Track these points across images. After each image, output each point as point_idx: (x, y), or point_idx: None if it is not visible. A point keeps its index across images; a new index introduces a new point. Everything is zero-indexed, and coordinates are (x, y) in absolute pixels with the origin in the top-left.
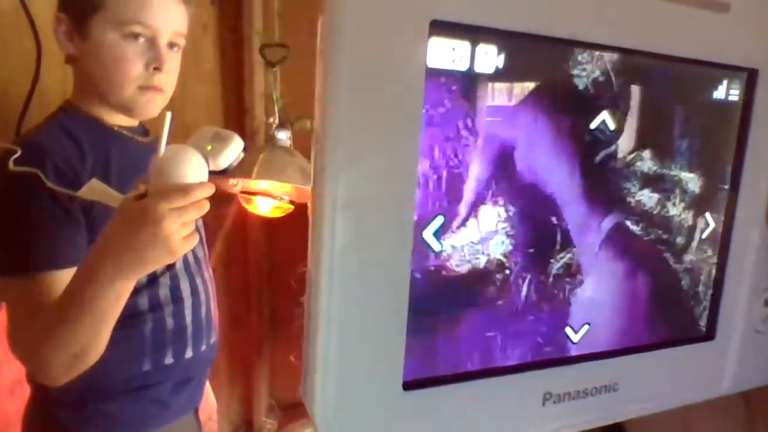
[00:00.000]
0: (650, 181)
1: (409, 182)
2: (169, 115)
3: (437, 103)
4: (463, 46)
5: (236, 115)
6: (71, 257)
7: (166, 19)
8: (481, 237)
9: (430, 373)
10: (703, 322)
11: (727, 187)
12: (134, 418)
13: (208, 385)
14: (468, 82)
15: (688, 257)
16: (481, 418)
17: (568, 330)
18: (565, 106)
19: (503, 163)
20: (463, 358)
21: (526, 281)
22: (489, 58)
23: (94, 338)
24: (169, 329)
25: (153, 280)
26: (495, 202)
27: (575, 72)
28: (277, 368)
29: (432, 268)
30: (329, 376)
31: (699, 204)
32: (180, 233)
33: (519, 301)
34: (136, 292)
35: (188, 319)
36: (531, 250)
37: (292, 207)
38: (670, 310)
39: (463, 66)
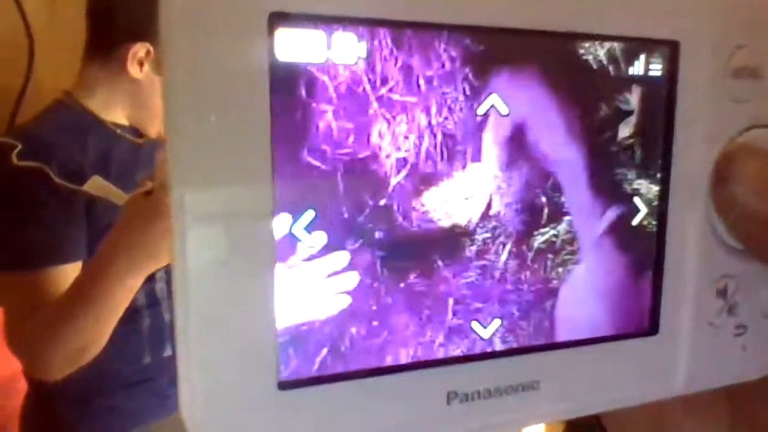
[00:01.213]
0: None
1: (264, 183)
2: None
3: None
4: (317, 35)
5: None
6: (72, 253)
7: None
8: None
9: (310, 372)
10: (644, 316)
11: (657, 167)
12: (136, 411)
13: None
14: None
15: (619, 249)
16: (376, 418)
17: (474, 325)
18: (444, 90)
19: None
20: (350, 353)
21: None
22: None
23: (99, 333)
24: (166, 323)
25: (150, 276)
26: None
27: (442, 53)
28: None
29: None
30: (198, 378)
31: (626, 189)
32: None
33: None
34: None
35: None
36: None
37: None
38: (606, 303)
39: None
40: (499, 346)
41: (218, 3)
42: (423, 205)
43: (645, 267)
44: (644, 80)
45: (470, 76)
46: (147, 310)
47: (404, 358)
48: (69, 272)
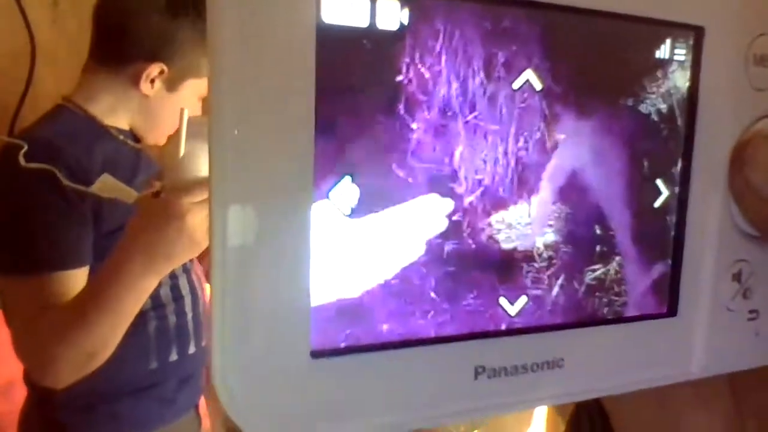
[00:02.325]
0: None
1: (305, 146)
2: (186, 112)
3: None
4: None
5: None
6: (80, 257)
7: None
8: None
9: (343, 341)
10: (664, 298)
11: (679, 151)
12: (142, 418)
13: None
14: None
15: (642, 228)
16: (405, 389)
17: (502, 301)
18: (483, 65)
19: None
20: (382, 325)
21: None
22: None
23: (111, 337)
24: (172, 327)
25: None
26: None
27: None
28: None
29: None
30: (232, 347)
31: (648, 171)
32: (203, 226)
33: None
34: None
35: (189, 315)
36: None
37: None
38: (621, 286)
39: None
40: (524, 323)
41: None
42: (490, 225)
43: (665, 250)
44: (670, 63)
45: (546, 110)
46: (152, 313)
47: (433, 331)
48: (76, 277)
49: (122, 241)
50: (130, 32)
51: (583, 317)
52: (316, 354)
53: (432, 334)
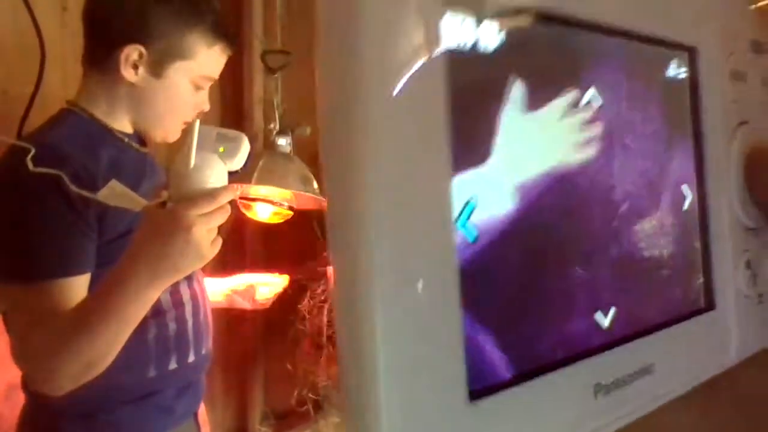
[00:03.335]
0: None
1: (444, 172)
2: (197, 123)
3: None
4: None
5: (234, 121)
6: (82, 265)
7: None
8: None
9: (495, 379)
10: (701, 294)
11: (692, 157)
12: (140, 426)
13: None
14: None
15: (677, 231)
16: (541, 420)
17: (597, 316)
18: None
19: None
20: (524, 358)
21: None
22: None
23: (112, 346)
24: (171, 334)
25: None
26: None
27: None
28: (271, 376)
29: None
30: (392, 400)
31: (676, 178)
32: (208, 238)
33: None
34: None
35: (189, 323)
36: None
37: (291, 213)
38: (674, 286)
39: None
40: (619, 334)
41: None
42: (636, 234)
43: (695, 248)
44: (677, 80)
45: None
46: (152, 320)
47: (554, 356)
48: (78, 284)
49: (127, 250)
50: (104, 20)
51: (664, 320)
52: (474, 395)
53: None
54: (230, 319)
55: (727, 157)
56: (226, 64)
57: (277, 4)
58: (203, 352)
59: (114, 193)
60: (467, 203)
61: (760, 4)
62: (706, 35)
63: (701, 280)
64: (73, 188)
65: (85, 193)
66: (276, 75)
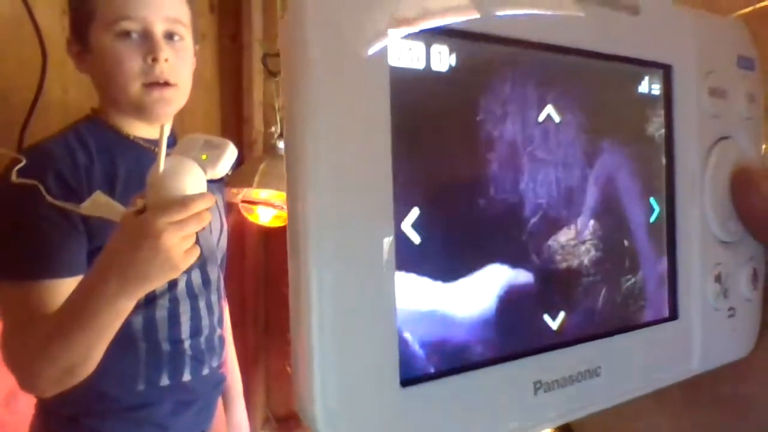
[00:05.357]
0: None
1: (385, 178)
2: (168, 126)
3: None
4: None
5: (234, 125)
6: (69, 267)
7: (155, 7)
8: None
9: (427, 368)
10: (666, 304)
11: (663, 171)
12: None
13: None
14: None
15: (641, 243)
16: (476, 412)
17: (546, 317)
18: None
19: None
20: (458, 350)
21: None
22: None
23: (87, 354)
24: (164, 352)
25: (151, 300)
26: None
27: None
28: (272, 379)
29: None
30: (324, 379)
31: (644, 190)
32: (181, 247)
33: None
34: (132, 312)
35: (186, 343)
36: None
37: None
38: (635, 295)
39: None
40: (569, 336)
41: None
42: (550, 247)
43: (662, 260)
44: (649, 97)
45: (574, 140)
46: (143, 335)
47: (494, 352)
48: (69, 286)
49: (99, 257)
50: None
51: (617, 326)
52: (406, 382)
53: (492, 354)
54: (231, 321)
55: (703, 172)
56: (227, 68)
57: (277, 6)
58: (204, 372)
59: (95, 204)
60: (415, 207)
61: (740, 12)
62: (682, 54)
63: (666, 290)
64: (50, 199)
65: (64, 204)
66: (276, 78)
